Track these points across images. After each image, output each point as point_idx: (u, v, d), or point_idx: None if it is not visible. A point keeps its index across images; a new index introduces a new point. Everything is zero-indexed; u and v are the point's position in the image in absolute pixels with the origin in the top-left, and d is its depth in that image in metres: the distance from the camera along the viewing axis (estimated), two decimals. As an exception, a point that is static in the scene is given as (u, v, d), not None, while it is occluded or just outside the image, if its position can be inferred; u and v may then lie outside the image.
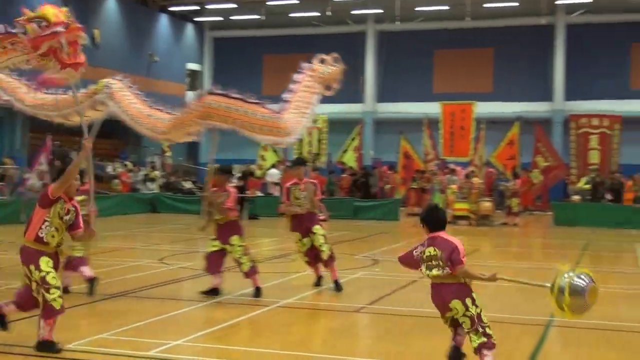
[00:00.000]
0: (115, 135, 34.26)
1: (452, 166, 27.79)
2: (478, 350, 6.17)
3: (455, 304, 6.30)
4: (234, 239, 10.27)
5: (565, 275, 5.76)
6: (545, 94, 34.40)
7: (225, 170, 11.43)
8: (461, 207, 24.88)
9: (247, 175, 28.27)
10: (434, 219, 6.64)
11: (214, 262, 10.42)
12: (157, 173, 32.00)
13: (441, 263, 6.35)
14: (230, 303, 10.09)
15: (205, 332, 8.32)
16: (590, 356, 7.45)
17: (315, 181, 11.78)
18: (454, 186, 25.44)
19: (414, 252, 6.63)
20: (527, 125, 27.74)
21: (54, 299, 6.99)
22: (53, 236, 7.22)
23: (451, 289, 6.40)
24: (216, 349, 7.53)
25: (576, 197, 25.57)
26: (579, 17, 34.17)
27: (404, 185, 28.87)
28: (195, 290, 11.64)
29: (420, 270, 6.63)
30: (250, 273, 10.32)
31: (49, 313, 6.98)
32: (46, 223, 7.20)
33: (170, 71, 35.86)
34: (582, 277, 5.79)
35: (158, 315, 9.17)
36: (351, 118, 33.36)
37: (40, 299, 7.01)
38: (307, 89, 10.62)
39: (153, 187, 30.70)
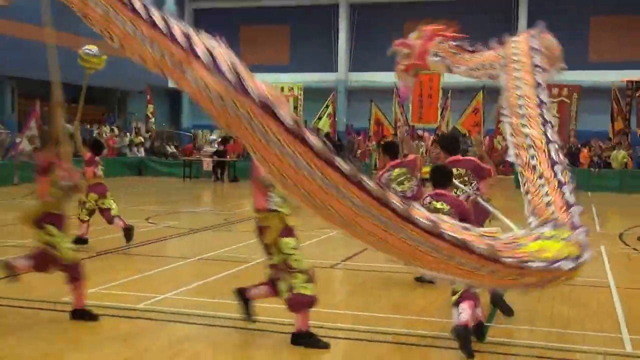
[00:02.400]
0: (101, 101, 33.98)
1: (420, 132, 27.89)
2: None
3: None
4: None
5: None
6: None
7: None
8: (429, 170, 24.91)
9: (227, 140, 28.25)
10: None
11: None
12: (141, 138, 31.86)
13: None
14: (215, 260, 10.17)
15: (192, 286, 8.38)
16: (543, 307, 7.57)
17: None
18: (422, 151, 25.57)
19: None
20: (491, 93, 27.80)
21: None
22: None
23: None
24: (203, 301, 7.61)
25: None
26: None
27: (376, 151, 28.95)
28: (181, 247, 11.70)
29: None
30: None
31: None
32: None
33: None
34: None
35: (146, 271, 9.22)
36: (325, 86, 33.31)
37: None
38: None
39: (140, 152, 30.72)
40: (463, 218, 6.04)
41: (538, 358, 5.86)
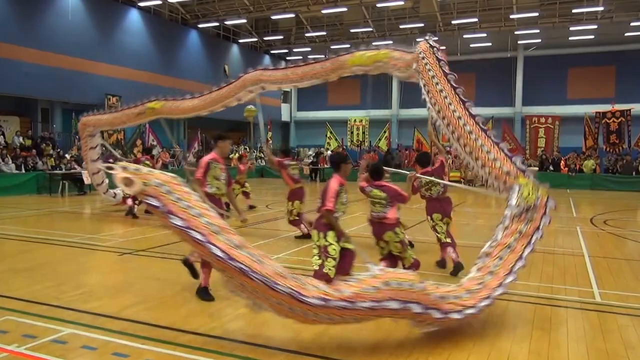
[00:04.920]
0: (238, 129, 34.81)
1: (448, 148, 27.38)
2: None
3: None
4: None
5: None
6: (510, 102, 33.59)
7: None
8: (455, 174, 24.50)
9: (319, 154, 28.52)
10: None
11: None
12: (262, 154, 32.48)
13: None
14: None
15: (295, 250, 8.43)
16: (536, 269, 7.28)
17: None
18: (449, 161, 25.29)
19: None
20: (497, 122, 26.98)
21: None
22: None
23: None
24: (302, 260, 7.64)
25: (533, 168, 25.14)
26: (533, 51, 33.07)
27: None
28: (287, 224, 11.78)
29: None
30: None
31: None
32: None
33: (271, 91, 35.97)
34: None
35: (265, 240, 9.34)
36: (383, 118, 33.15)
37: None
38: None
39: (262, 162, 31.31)
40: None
41: (532, 304, 5.61)
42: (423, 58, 6.06)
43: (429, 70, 5.87)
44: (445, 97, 5.59)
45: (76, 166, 18.66)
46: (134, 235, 9.57)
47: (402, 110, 36.14)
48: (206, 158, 5.89)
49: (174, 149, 26.43)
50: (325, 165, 28.23)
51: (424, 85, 5.91)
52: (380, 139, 29.20)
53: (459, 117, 5.42)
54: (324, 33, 32.83)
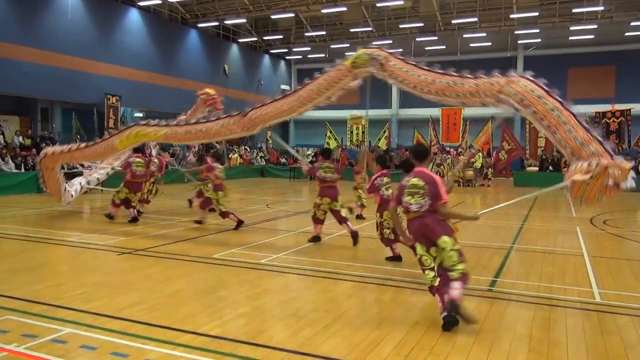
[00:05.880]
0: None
1: (447, 149, 27.45)
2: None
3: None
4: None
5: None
6: (509, 102, 33.52)
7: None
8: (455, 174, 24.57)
9: (318, 154, 28.43)
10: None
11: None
12: (263, 153, 32.48)
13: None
14: (310, 233, 10.14)
15: (296, 249, 8.42)
16: (535, 269, 7.29)
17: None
18: (448, 161, 25.26)
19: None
20: (497, 121, 27.04)
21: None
22: None
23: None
24: (302, 259, 7.62)
25: (533, 168, 25.17)
26: (533, 51, 33.05)
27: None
28: (288, 224, 11.77)
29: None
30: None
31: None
32: None
33: (270, 91, 35.99)
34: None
35: (265, 239, 9.32)
36: (383, 118, 33.12)
37: None
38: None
39: (262, 162, 31.31)
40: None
41: (531, 304, 5.60)
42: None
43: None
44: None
45: (77, 165, 18.60)
46: (133, 235, 9.56)
47: (401, 110, 36.14)
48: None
49: (173, 148, 26.42)
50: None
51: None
52: (379, 139, 29.22)
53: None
54: (323, 33, 32.80)
